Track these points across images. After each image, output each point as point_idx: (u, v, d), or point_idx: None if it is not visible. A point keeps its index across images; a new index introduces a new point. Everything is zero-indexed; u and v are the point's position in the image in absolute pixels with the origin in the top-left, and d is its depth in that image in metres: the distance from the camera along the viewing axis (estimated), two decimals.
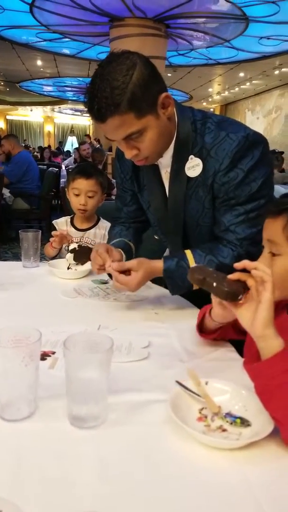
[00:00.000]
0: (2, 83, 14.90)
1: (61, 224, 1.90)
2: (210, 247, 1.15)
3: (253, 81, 12.66)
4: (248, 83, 12.97)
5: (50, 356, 0.93)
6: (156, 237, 1.47)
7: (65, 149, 17.04)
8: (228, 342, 1.03)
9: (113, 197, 4.94)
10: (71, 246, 1.64)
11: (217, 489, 0.59)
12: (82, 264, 1.58)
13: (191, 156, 1.13)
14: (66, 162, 10.00)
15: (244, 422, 0.70)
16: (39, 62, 11.47)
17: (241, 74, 11.81)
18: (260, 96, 14.41)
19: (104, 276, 1.53)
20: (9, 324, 0.73)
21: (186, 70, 11.31)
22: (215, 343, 1.02)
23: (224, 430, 0.69)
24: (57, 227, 1.87)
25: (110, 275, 1.30)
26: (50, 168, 6.27)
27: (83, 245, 1.68)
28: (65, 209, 2.49)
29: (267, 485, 0.59)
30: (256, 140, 1.09)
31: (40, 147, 14.66)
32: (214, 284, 0.75)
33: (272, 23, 7.19)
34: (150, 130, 1.03)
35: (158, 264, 1.17)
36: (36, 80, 13.95)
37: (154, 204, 1.29)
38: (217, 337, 1.01)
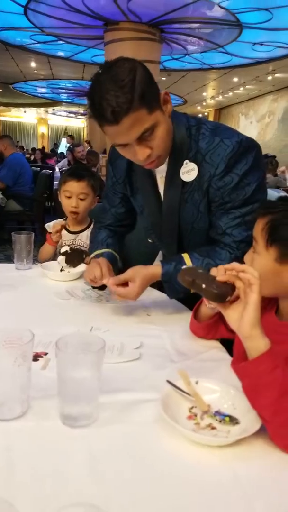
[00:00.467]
0: None
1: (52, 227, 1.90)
2: (208, 250, 1.17)
3: (247, 86, 12.77)
4: (241, 88, 13.07)
5: (42, 357, 0.94)
6: (149, 240, 1.48)
7: (59, 151, 17.03)
8: (219, 343, 1.05)
9: None
10: (63, 249, 1.64)
11: (206, 485, 0.60)
12: (74, 266, 1.59)
13: (186, 161, 1.15)
14: (60, 164, 9.99)
15: (233, 420, 0.71)
16: (33, 64, 11.46)
17: (235, 79, 11.90)
18: (254, 101, 14.53)
19: None
20: (1, 325, 0.74)
21: (181, 74, 11.38)
22: (206, 343, 1.04)
23: (213, 428, 0.70)
24: (49, 231, 1.88)
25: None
26: (44, 170, 6.27)
27: (75, 247, 1.69)
28: (58, 211, 2.50)
29: (255, 481, 0.61)
30: (249, 146, 1.12)
31: (33, 149, 14.64)
32: (203, 285, 0.77)
33: (265, 30, 7.28)
34: (160, 126, 1.05)
35: (156, 270, 1.17)
36: (30, 81, 13.93)
37: (149, 208, 1.31)
38: (210, 337, 1.03)
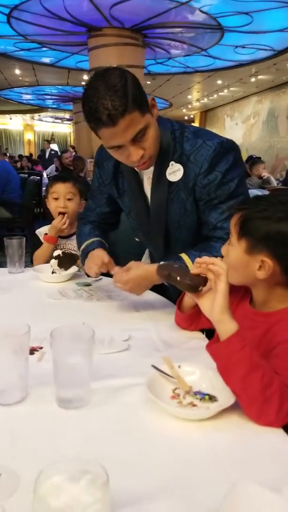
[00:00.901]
0: None
1: (44, 232, 1.94)
2: (203, 246, 1.25)
3: (231, 88, 12.95)
4: (226, 90, 13.25)
5: (38, 350, 1.02)
6: (136, 239, 1.56)
7: (47, 157, 17.07)
8: (201, 333, 1.14)
9: None
10: (55, 253, 1.69)
11: (188, 455, 0.68)
12: (66, 269, 1.65)
13: (172, 162, 1.23)
14: (48, 170, 10.04)
15: (212, 398, 0.80)
16: (17, 71, 11.49)
17: (219, 82, 12.06)
18: (238, 103, 14.73)
19: (87, 279, 1.62)
20: None
21: (165, 78, 11.51)
22: (190, 334, 1.13)
23: (194, 406, 0.78)
24: (40, 237, 1.93)
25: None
26: (32, 177, 6.32)
27: (66, 251, 1.75)
28: (48, 217, 2.56)
29: (230, 447, 0.69)
30: (230, 147, 1.22)
31: (20, 156, 14.66)
32: (178, 278, 0.87)
33: (246, 33, 7.44)
34: (151, 127, 1.14)
35: (152, 268, 1.22)
36: (15, 88, 13.96)
37: (136, 209, 1.38)
38: (193, 328, 1.12)
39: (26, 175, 6.78)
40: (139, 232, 1.47)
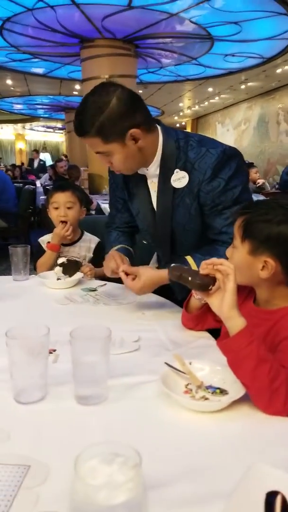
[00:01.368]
0: None
1: (46, 240, 1.97)
2: (208, 249, 1.30)
3: (221, 95, 13.14)
4: (216, 97, 13.44)
5: (52, 353, 1.05)
6: (144, 242, 1.62)
7: (35, 167, 17.10)
8: (207, 333, 1.18)
9: (92, 212, 5.09)
10: (60, 261, 1.73)
11: (203, 443, 0.72)
12: (71, 276, 1.69)
13: (177, 170, 1.30)
14: (42, 180, 10.09)
15: (223, 391, 0.84)
16: (9, 81, 11.55)
17: (210, 89, 12.24)
18: (229, 109, 14.93)
19: (92, 284, 1.66)
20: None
21: (157, 86, 11.66)
22: (196, 334, 1.17)
23: (206, 399, 0.83)
24: (43, 245, 1.97)
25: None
26: (27, 186, 6.36)
27: (70, 259, 1.79)
28: (43, 226, 2.59)
29: (242, 435, 0.74)
30: (232, 154, 1.28)
31: (13, 165, 14.70)
32: (189, 278, 0.93)
33: (235, 42, 7.58)
34: (115, 155, 1.23)
35: (163, 273, 1.28)
36: (6, 98, 14.03)
37: (143, 212, 1.44)
38: (198, 328, 1.17)
39: (21, 184, 6.83)
40: (146, 234, 1.52)
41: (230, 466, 0.66)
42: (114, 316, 1.35)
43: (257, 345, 0.80)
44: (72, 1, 6.00)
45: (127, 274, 1.31)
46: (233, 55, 8.46)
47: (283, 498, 0.56)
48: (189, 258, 1.28)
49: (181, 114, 16.93)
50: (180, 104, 14.99)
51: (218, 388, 0.85)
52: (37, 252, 1.98)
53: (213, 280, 0.91)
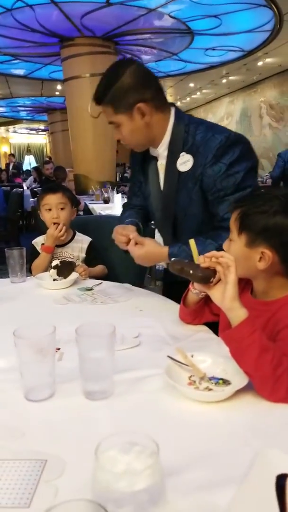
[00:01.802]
0: None
1: (40, 242, 1.99)
2: (211, 234, 1.33)
3: (203, 91, 13.19)
4: (198, 93, 13.49)
5: (56, 351, 1.07)
6: (152, 226, 1.65)
7: (24, 169, 17.01)
8: (206, 327, 1.21)
9: (80, 213, 5.09)
10: (54, 263, 1.74)
11: (211, 431, 0.75)
12: (65, 277, 1.70)
13: (183, 153, 1.33)
14: (27, 182, 10.04)
15: (226, 382, 0.87)
16: None
17: (191, 85, 12.28)
18: (211, 104, 15.01)
19: (88, 284, 1.68)
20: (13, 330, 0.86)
21: None
22: (195, 328, 1.20)
23: (210, 390, 0.85)
24: (37, 247, 1.98)
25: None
26: (15, 189, 6.33)
27: (63, 260, 1.80)
28: (32, 229, 2.59)
29: (248, 422, 0.77)
30: (237, 140, 1.30)
31: None
32: (191, 271, 0.95)
33: (215, 35, 7.62)
34: (123, 127, 1.31)
35: (163, 250, 1.33)
36: None
37: (153, 193, 1.48)
38: (196, 322, 1.19)
39: (8, 188, 6.79)
40: (154, 216, 1.56)
41: (239, 452, 0.69)
42: (112, 313, 1.37)
43: (259, 334, 0.82)
44: (50, 0, 5.97)
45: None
46: (214, 49, 8.51)
47: None
48: (191, 241, 1.31)
49: None
50: None
51: (221, 379, 0.88)
52: (30, 254, 1.98)
53: (214, 272, 0.93)
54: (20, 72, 10.27)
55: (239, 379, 0.85)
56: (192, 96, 13.97)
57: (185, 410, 0.81)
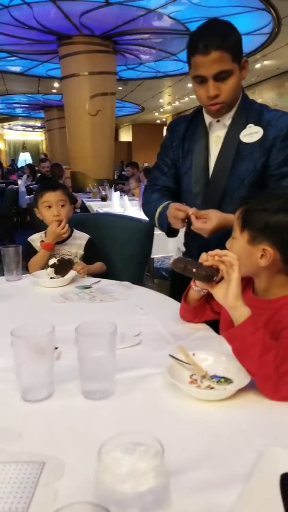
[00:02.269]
0: None
1: (37, 240, 1.96)
2: None
3: None
4: None
5: (54, 350, 1.05)
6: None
7: (19, 166, 16.91)
8: (206, 325, 1.20)
9: (77, 210, 5.06)
10: (51, 261, 1.71)
11: (214, 430, 0.74)
12: (63, 276, 1.67)
13: (250, 125, 1.37)
14: (23, 179, 9.98)
15: (227, 380, 0.86)
16: None
17: (189, 85, 12.18)
18: None
19: (86, 282, 1.66)
20: (10, 329, 0.84)
21: (136, 83, 11.64)
22: (196, 326, 1.19)
23: (212, 388, 0.84)
24: (33, 244, 1.96)
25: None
26: (10, 186, 6.29)
27: (61, 258, 1.78)
28: (27, 227, 2.57)
29: (251, 420, 0.76)
30: None
31: None
32: (194, 270, 0.94)
33: None
34: (234, 76, 1.30)
35: (229, 216, 1.26)
36: None
37: (196, 166, 1.47)
38: (197, 320, 1.18)
39: (4, 185, 6.75)
40: (190, 194, 1.50)
41: (242, 450, 0.67)
42: (112, 312, 1.35)
43: (262, 333, 0.81)
44: None
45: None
46: None
47: None
48: None
49: (161, 110, 16.95)
50: (160, 100, 15.00)
51: (223, 377, 0.86)
52: (26, 252, 1.96)
53: (217, 271, 0.92)
54: (17, 69, 10.21)
55: (241, 378, 0.84)
56: (191, 96, 13.95)
57: (187, 409, 0.80)
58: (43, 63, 9.57)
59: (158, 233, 2.16)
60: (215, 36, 1.24)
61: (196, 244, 1.48)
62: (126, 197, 4.64)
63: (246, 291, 1.06)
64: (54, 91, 12.39)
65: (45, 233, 1.96)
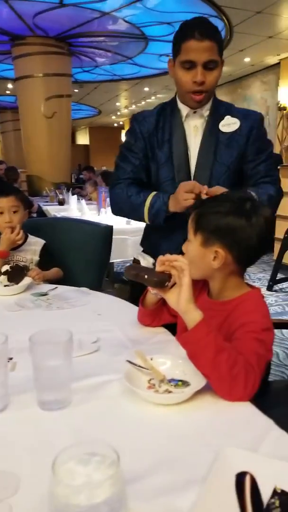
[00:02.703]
0: None
1: None
2: (255, 188, 1.43)
3: (158, 95, 13.32)
4: (153, 97, 13.60)
5: (8, 361, 1.02)
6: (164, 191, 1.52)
7: None
8: (164, 329, 1.21)
9: (34, 215, 4.95)
10: (3, 268, 1.67)
11: (172, 434, 0.74)
12: (17, 283, 1.62)
13: (228, 116, 1.47)
14: None
15: (185, 383, 0.87)
16: None
17: (146, 89, 12.36)
18: None
19: (43, 289, 1.63)
20: None
21: (93, 86, 11.57)
22: (154, 330, 1.19)
23: (170, 392, 0.85)
24: None
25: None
26: None
27: (14, 265, 1.73)
28: None
29: (208, 422, 0.77)
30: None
31: None
32: (146, 276, 0.95)
33: (169, 42, 7.67)
34: (217, 69, 1.39)
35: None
36: None
37: (177, 153, 1.49)
38: (155, 324, 1.19)
39: None
40: (169, 184, 1.48)
41: (200, 452, 0.68)
42: (69, 319, 1.33)
43: (215, 335, 0.83)
44: None
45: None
46: (167, 55, 8.57)
47: (252, 478, 0.60)
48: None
49: (118, 113, 16.95)
50: (117, 104, 15.01)
51: (180, 381, 0.88)
52: None
53: (169, 276, 0.94)
54: None
55: (198, 380, 0.85)
56: (147, 100, 14.07)
57: (145, 414, 0.80)
58: None
59: (116, 237, 2.15)
60: (209, 28, 1.36)
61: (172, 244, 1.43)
62: (83, 201, 4.61)
63: (201, 294, 1.08)
64: (8, 92, 12.07)
65: None
